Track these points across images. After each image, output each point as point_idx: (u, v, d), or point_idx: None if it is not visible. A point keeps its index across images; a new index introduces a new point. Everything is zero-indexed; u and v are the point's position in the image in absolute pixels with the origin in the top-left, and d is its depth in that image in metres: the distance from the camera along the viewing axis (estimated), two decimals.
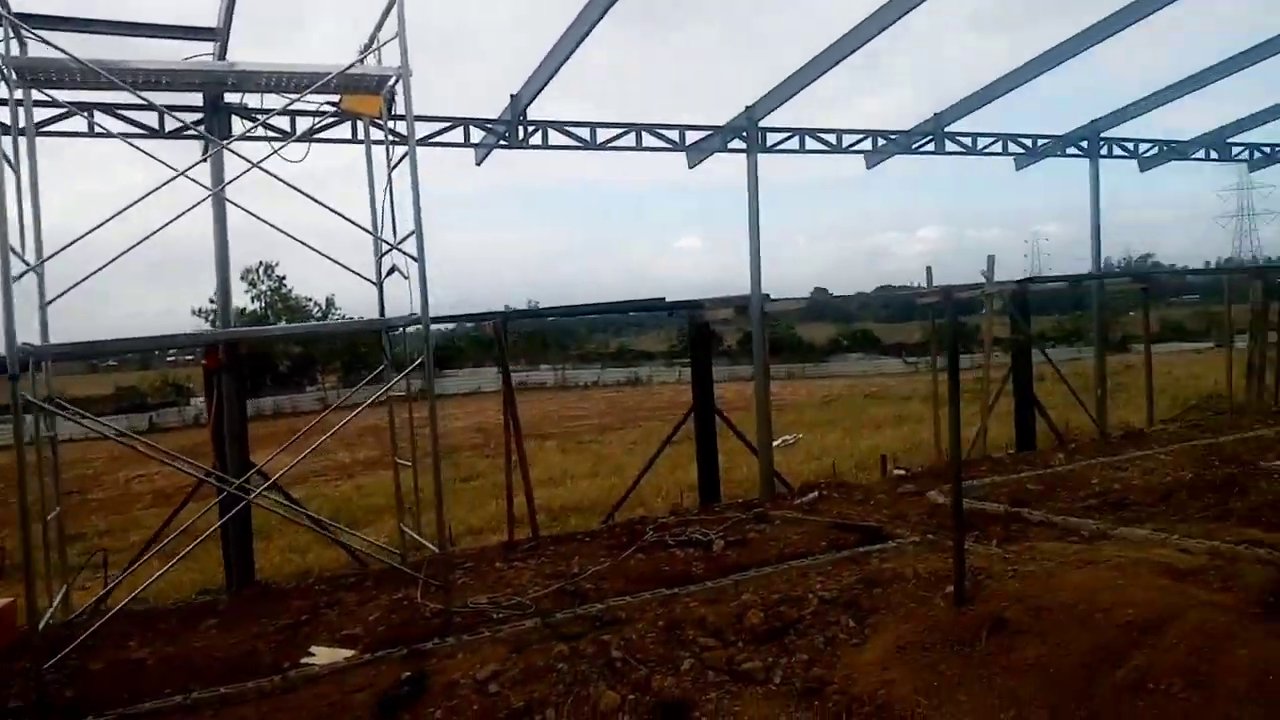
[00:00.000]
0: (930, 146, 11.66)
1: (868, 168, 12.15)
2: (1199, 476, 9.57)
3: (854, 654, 5.33)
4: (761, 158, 10.81)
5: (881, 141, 11.72)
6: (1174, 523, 7.80)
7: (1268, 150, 14.76)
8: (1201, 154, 14.42)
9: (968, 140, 11.86)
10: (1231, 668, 4.44)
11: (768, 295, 11.14)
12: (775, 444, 20.22)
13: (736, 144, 10.46)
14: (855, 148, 11.30)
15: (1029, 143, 12.61)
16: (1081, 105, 12.97)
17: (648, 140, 10.30)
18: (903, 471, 11.34)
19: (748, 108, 10.33)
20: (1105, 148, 12.87)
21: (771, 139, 10.64)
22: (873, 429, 20.68)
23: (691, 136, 10.59)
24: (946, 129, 11.56)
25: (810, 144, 10.92)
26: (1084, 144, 12.79)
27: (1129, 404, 17.96)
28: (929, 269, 12.14)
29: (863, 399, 31.40)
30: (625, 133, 10.13)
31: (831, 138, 11.06)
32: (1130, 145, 13.49)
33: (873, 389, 36.31)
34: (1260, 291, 13.91)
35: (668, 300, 11.39)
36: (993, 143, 12.14)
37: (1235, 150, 14.65)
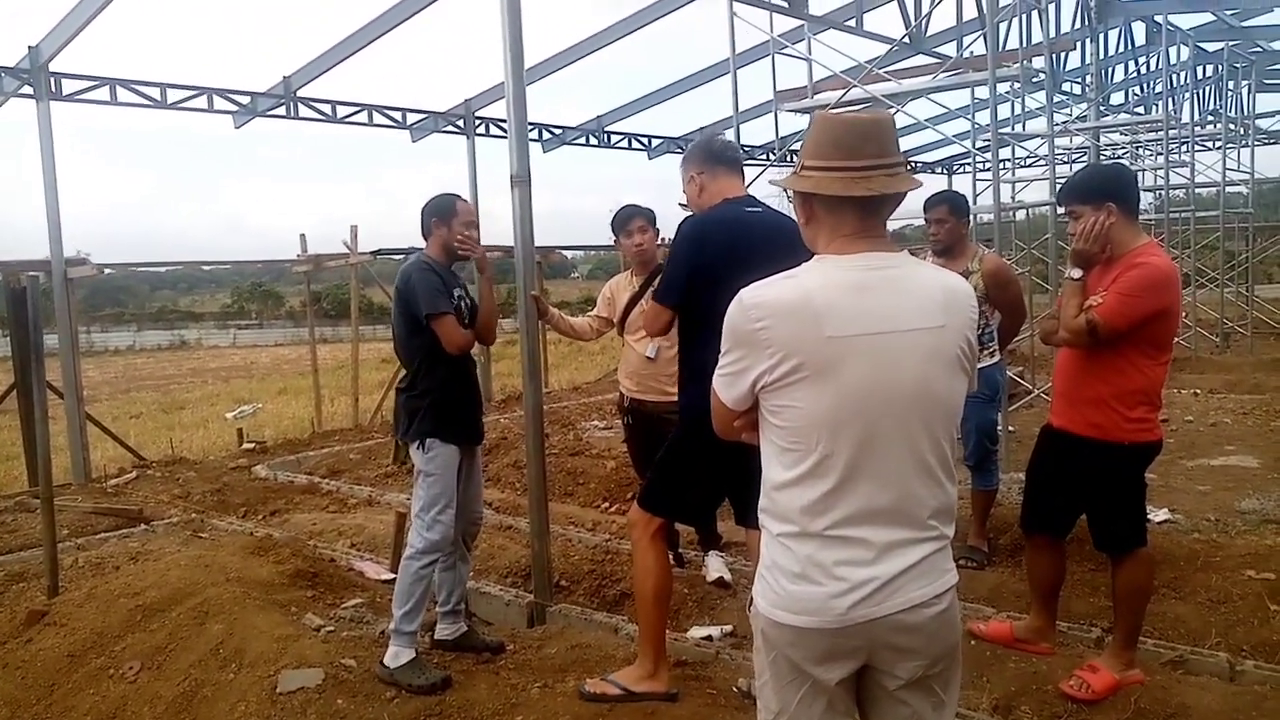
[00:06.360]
0: (282, 111, 11.27)
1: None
2: None
3: None
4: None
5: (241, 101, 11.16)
6: None
7: None
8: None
9: (326, 108, 11.66)
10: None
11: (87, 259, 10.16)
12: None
13: (26, 90, 9.24)
14: (185, 104, 10.56)
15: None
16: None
17: None
18: (253, 445, 11.04)
19: (30, 48, 9.13)
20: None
21: (70, 87, 9.54)
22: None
23: None
24: (299, 93, 11.24)
25: (125, 95, 9.99)
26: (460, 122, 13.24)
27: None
28: (303, 236, 11.91)
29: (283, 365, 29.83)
30: None
31: (154, 91, 10.21)
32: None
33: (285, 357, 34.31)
34: None
35: None
36: (356, 112, 12.07)
37: None
